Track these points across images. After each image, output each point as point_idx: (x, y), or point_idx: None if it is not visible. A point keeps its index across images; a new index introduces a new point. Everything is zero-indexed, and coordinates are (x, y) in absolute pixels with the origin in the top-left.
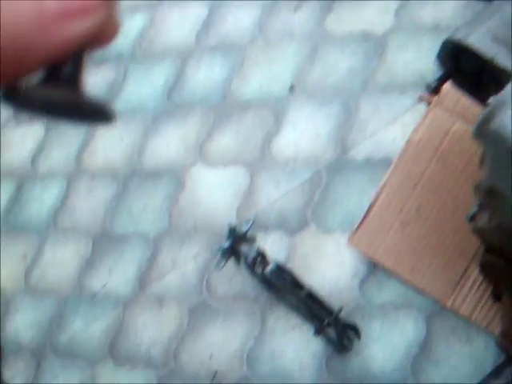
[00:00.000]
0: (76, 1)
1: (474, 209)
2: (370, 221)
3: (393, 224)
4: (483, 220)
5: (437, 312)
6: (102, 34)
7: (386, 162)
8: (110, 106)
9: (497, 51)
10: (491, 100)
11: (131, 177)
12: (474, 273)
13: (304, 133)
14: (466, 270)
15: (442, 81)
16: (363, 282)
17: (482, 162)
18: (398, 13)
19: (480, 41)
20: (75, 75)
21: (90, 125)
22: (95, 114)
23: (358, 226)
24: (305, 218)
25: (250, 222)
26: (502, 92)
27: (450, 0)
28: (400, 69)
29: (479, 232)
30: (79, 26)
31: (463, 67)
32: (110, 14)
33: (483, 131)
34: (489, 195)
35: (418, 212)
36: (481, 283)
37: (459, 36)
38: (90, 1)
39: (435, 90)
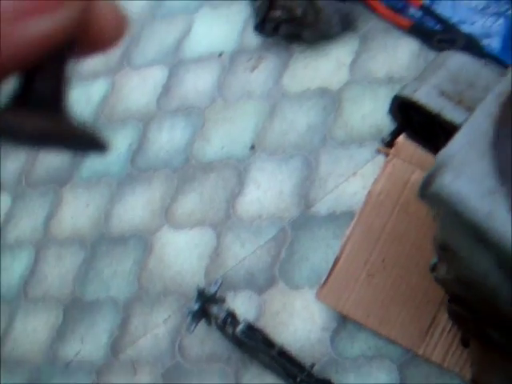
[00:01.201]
0: None
1: (434, 259)
2: (337, 274)
3: (359, 276)
4: (442, 271)
5: (409, 360)
6: (90, 35)
7: (349, 214)
8: (99, 132)
9: (443, 105)
10: (436, 158)
11: (99, 242)
12: (443, 319)
13: (267, 191)
14: (435, 317)
15: (395, 134)
16: (334, 336)
17: (434, 217)
18: (352, 67)
19: (427, 96)
20: (55, 93)
21: (79, 154)
22: (83, 143)
23: (325, 281)
24: (272, 276)
25: (218, 283)
26: (441, 153)
27: (402, 51)
28: (357, 122)
29: (440, 282)
30: (39, 25)
31: (414, 120)
32: (90, 10)
33: (425, 193)
34: (442, 249)
35: (383, 263)
36: (450, 329)
37: (407, 92)
38: None
39: (389, 143)
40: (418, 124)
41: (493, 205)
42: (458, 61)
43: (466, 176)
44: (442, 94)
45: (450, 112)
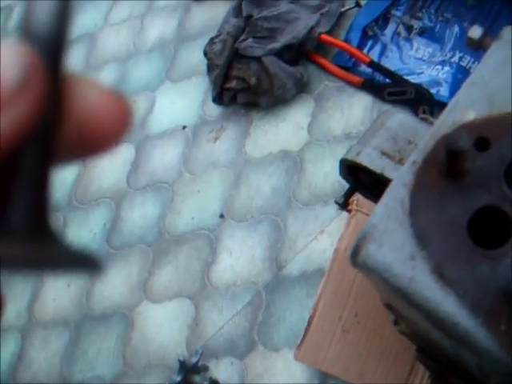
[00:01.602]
0: None
1: None
2: (312, 334)
3: (334, 333)
4: (402, 325)
5: None
6: (84, 134)
7: (320, 272)
8: (92, 252)
9: (385, 165)
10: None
11: (82, 322)
12: (422, 366)
13: (239, 257)
14: (413, 365)
15: (348, 195)
16: None
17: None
18: (310, 128)
19: (369, 157)
20: (36, 212)
21: (72, 275)
22: (74, 265)
23: (301, 341)
24: (252, 340)
25: (199, 353)
26: (366, 223)
27: (357, 108)
28: (320, 181)
29: (404, 335)
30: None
31: (364, 180)
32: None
33: (355, 262)
34: (388, 308)
35: (356, 317)
36: (429, 375)
37: (351, 155)
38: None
39: (343, 205)
40: (368, 183)
41: (414, 270)
42: (396, 120)
43: (387, 245)
44: (383, 154)
45: (391, 171)
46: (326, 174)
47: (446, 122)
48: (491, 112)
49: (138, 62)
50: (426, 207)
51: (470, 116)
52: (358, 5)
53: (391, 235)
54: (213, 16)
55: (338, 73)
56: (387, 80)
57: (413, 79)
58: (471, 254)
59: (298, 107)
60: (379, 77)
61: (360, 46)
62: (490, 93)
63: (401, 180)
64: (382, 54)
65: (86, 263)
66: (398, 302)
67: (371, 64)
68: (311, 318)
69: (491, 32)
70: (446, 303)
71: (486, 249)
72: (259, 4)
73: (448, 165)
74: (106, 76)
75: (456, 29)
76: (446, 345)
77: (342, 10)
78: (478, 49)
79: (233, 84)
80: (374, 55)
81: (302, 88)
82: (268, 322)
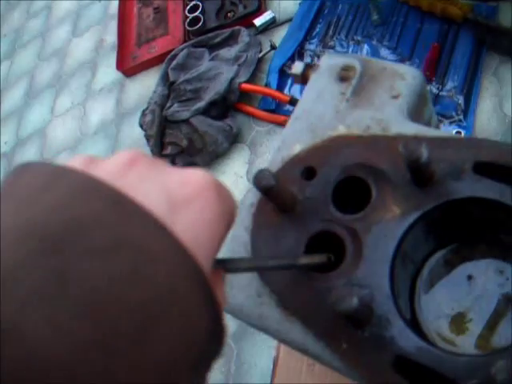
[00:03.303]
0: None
1: None
2: (280, 373)
3: (301, 368)
4: None
5: None
6: None
7: None
8: None
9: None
10: None
11: None
12: None
13: None
14: None
15: None
16: None
17: None
18: (248, 176)
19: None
20: None
21: None
22: None
23: (271, 382)
24: None
25: None
26: None
27: None
28: None
29: None
30: None
31: None
32: None
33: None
34: None
35: None
36: None
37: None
38: None
39: None
40: None
41: (262, 306)
42: None
43: (236, 286)
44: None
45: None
46: None
47: (275, 160)
48: (314, 141)
49: (86, 146)
50: (265, 245)
51: (296, 149)
52: (273, 47)
53: (239, 276)
54: (145, 88)
55: (265, 116)
56: None
57: None
58: (309, 281)
59: (235, 157)
60: None
61: (280, 87)
62: (311, 122)
63: (242, 224)
64: (303, 88)
65: None
66: None
67: (292, 101)
68: (276, 359)
69: (401, 44)
70: (293, 333)
71: (324, 273)
72: (184, 68)
73: (272, 202)
74: None
75: (366, 48)
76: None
77: (260, 55)
78: (304, 83)
79: (168, 150)
80: (295, 92)
81: (234, 139)
82: (241, 370)
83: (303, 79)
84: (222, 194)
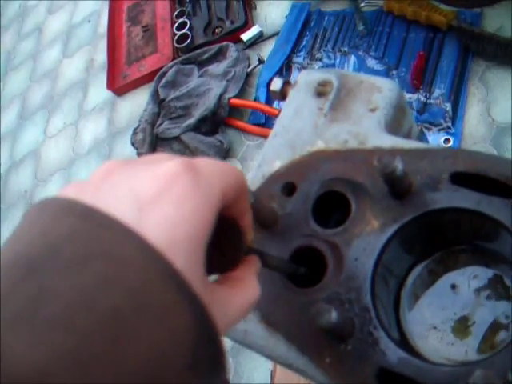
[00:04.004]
0: None
1: None
2: None
3: (299, 381)
4: None
5: None
6: None
7: None
8: None
9: None
10: None
11: None
12: None
13: None
14: None
15: None
16: None
17: None
18: None
19: None
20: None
21: None
22: None
23: None
24: None
25: None
26: None
27: None
28: None
29: None
30: None
31: None
32: None
33: None
34: None
35: None
36: None
37: None
38: None
39: None
40: None
41: (246, 323)
42: None
43: None
44: None
45: None
46: None
47: (256, 177)
48: (294, 156)
49: (80, 166)
50: None
51: (276, 165)
52: (261, 62)
53: None
54: (136, 107)
55: (255, 131)
56: None
57: None
58: (292, 296)
59: None
60: None
61: (269, 101)
62: (291, 138)
63: None
64: None
65: None
66: None
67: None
68: (273, 372)
69: (387, 54)
70: (277, 348)
71: (306, 287)
72: (174, 85)
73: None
74: (54, 187)
75: (353, 59)
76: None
77: (249, 70)
78: (282, 99)
79: None
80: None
81: (225, 154)
82: None
83: (282, 96)
84: (199, 179)
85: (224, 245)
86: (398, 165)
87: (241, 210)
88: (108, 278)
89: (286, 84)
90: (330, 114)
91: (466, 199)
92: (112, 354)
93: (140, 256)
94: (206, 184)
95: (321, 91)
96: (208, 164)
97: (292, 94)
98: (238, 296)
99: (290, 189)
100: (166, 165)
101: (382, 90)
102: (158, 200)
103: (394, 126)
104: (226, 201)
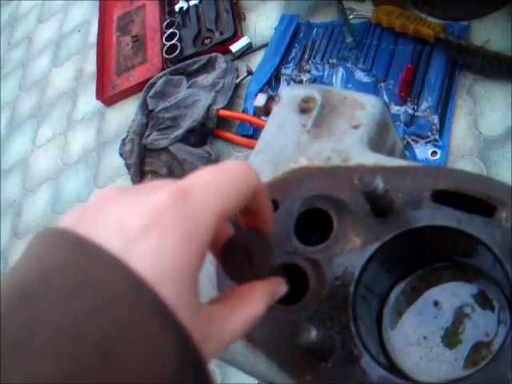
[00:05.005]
0: None
1: None
2: None
3: None
4: None
5: None
6: None
7: None
8: None
9: None
10: None
11: None
12: None
13: None
14: None
15: None
16: None
17: None
18: None
19: None
20: None
21: None
22: None
23: None
24: None
25: None
26: None
27: None
28: None
29: None
30: None
31: None
32: None
33: None
34: None
35: None
36: None
37: None
38: None
39: None
40: None
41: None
42: None
43: None
44: None
45: None
46: None
47: None
48: (277, 173)
49: (69, 176)
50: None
51: None
52: (250, 73)
53: None
54: (125, 117)
55: (243, 142)
56: None
57: None
58: (274, 314)
59: None
60: None
61: None
62: (273, 155)
63: (207, 258)
64: None
65: None
66: None
67: None
68: None
69: (376, 66)
70: (258, 365)
71: (289, 305)
72: (162, 96)
73: None
74: (42, 196)
75: (341, 71)
76: None
77: (237, 81)
78: (266, 115)
79: (148, 179)
80: None
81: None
82: None
83: (266, 111)
84: (187, 208)
85: (252, 257)
86: (379, 184)
87: (258, 207)
88: (97, 307)
89: (270, 100)
90: (313, 131)
91: (446, 217)
92: (99, 382)
93: (126, 286)
94: (194, 212)
95: (304, 108)
96: (203, 184)
97: (276, 109)
98: (241, 311)
99: (273, 206)
100: (157, 195)
101: (365, 106)
102: (145, 232)
103: (378, 142)
104: (234, 210)
